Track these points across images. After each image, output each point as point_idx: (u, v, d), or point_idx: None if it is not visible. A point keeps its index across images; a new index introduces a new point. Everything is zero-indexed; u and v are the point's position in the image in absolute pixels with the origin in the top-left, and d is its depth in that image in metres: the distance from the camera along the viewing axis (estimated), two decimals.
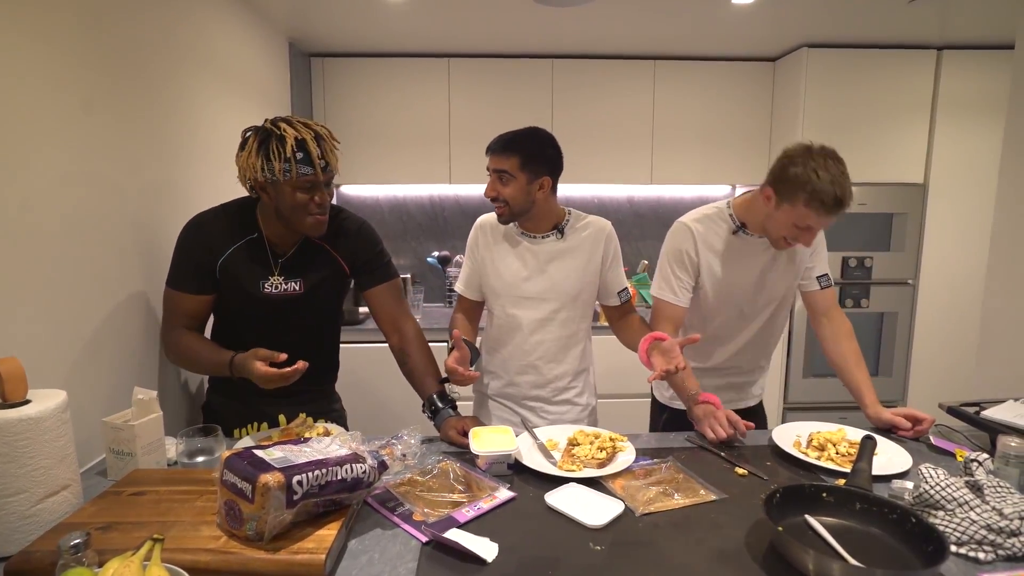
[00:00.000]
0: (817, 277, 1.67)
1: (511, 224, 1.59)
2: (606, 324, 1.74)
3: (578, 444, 1.32)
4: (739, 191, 3.37)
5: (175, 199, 1.69)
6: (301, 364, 1.28)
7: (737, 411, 1.51)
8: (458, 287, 1.71)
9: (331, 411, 1.62)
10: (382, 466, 1.04)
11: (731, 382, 1.75)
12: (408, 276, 3.23)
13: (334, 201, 2.99)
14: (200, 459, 1.22)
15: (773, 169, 1.46)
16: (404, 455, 1.11)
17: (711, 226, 1.61)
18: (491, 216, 1.62)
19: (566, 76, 2.98)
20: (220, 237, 1.41)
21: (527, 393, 1.62)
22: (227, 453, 0.95)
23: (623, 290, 1.63)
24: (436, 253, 3.27)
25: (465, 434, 1.34)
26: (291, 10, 2.37)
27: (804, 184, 1.36)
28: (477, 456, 1.22)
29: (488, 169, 1.52)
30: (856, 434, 1.40)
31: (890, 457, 1.27)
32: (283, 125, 1.30)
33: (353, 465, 0.99)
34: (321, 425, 1.40)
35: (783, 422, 3.02)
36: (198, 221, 1.43)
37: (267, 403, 1.47)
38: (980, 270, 2.82)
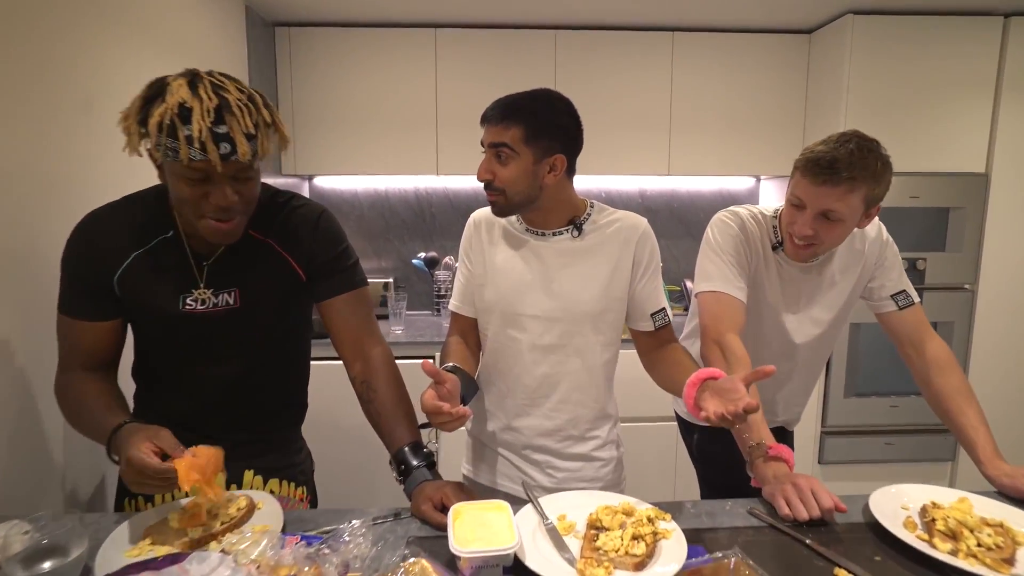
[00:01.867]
0: (892, 296, 1.34)
1: (514, 219, 1.22)
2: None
3: (603, 528, 0.93)
4: (765, 184, 3.02)
5: (74, 196, 1.28)
6: (205, 454, 0.91)
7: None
8: (452, 303, 1.32)
9: (289, 466, 1.23)
10: None
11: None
12: (390, 280, 2.85)
13: (318, 194, 2.55)
14: (47, 564, 0.82)
15: None
16: (342, 571, 0.72)
17: (758, 230, 1.33)
18: (487, 210, 1.25)
19: (571, 50, 2.60)
20: (116, 240, 1.04)
21: (530, 442, 1.23)
22: None
23: (659, 311, 1.22)
24: (422, 254, 2.88)
25: (445, 509, 0.95)
26: None
27: (805, 149, 1.19)
28: (457, 557, 0.83)
29: (483, 144, 1.14)
30: (986, 506, 1.01)
31: None
32: (179, 81, 0.91)
33: None
34: (243, 497, 1.01)
35: (821, 450, 2.73)
36: (85, 222, 1.05)
37: None
38: None
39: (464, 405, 1.09)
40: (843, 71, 2.41)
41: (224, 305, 1.07)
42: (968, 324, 2.55)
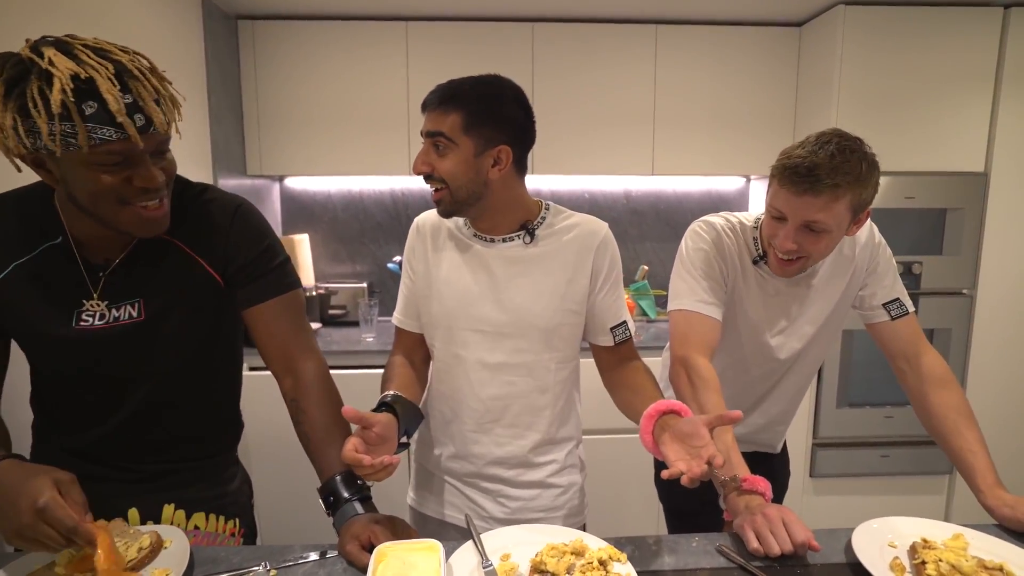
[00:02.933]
0: (884, 305, 1.23)
1: (460, 223, 1.11)
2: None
3: (547, 572, 0.81)
4: (755, 184, 2.91)
5: None
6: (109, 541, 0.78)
7: (748, 455, 1.09)
8: (395, 317, 1.21)
9: (217, 497, 1.09)
10: None
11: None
12: (365, 285, 2.73)
13: (285, 205, 2.33)
14: None
15: None
16: None
17: (736, 242, 1.22)
18: (432, 213, 1.13)
19: (549, 44, 2.48)
20: None
21: (479, 470, 1.12)
22: None
23: (620, 324, 1.11)
24: (398, 258, 2.76)
25: (372, 549, 0.84)
26: None
27: (781, 155, 1.08)
28: None
29: (421, 134, 1.03)
30: (984, 543, 0.90)
31: None
32: (49, 53, 0.76)
33: None
34: (147, 536, 0.89)
35: (812, 463, 2.62)
36: None
37: (114, 492, 0.99)
38: None
39: (409, 437, 0.99)
40: (834, 65, 2.29)
41: (126, 319, 0.94)
42: (966, 331, 2.43)
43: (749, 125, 2.58)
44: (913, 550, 0.87)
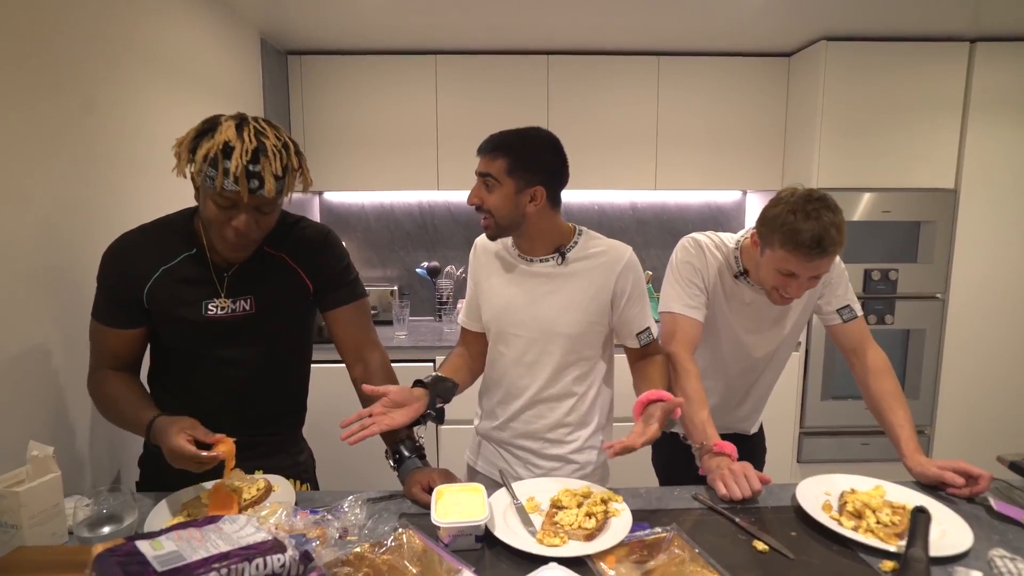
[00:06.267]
0: (838, 310, 1.48)
1: (508, 245, 1.37)
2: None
3: (562, 507, 1.10)
4: (750, 197, 3.17)
5: (100, 214, 1.47)
6: (223, 449, 1.07)
7: (727, 437, 1.33)
8: (460, 318, 1.51)
9: (292, 465, 1.38)
10: (305, 558, 0.82)
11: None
12: (395, 288, 3.04)
13: (324, 216, 2.86)
14: (107, 529, 1.01)
15: (760, 214, 1.34)
16: (342, 533, 0.90)
17: (719, 258, 1.47)
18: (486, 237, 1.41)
19: (563, 74, 2.77)
20: (146, 259, 1.20)
21: (513, 441, 1.40)
22: (100, 548, 0.74)
23: (644, 331, 1.35)
24: (425, 264, 3.06)
25: (431, 491, 1.12)
26: (261, 1, 2.17)
27: (780, 224, 1.26)
28: (437, 527, 1.01)
29: (476, 173, 1.30)
30: (897, 493, 1.17)
31: (944, 530, 1.04)
32: (228, 123, 1.09)
33: (268, 558, 0.78)
34: (261, 478, 1.19)
35: (799, 449, 2.87)
36: (118, 243, 1.22)
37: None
38: (1017, 283, 2.64)
39: (445, 403, 1.28)
40: (818, 93, 2.55)
41: (241, 311, 1.23)
42: (939, 331, 2.68)
43: (743, 145, 2.85)
44: (841, 496, 1.15)
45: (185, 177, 1.13)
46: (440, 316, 3.06)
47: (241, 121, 1.10)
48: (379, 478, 1.50)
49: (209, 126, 1.10)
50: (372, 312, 3.05)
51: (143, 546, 0.75)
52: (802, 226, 1.22)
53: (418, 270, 3.08)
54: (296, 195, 2.84)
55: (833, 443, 2.72)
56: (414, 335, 2.76)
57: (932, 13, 2.28)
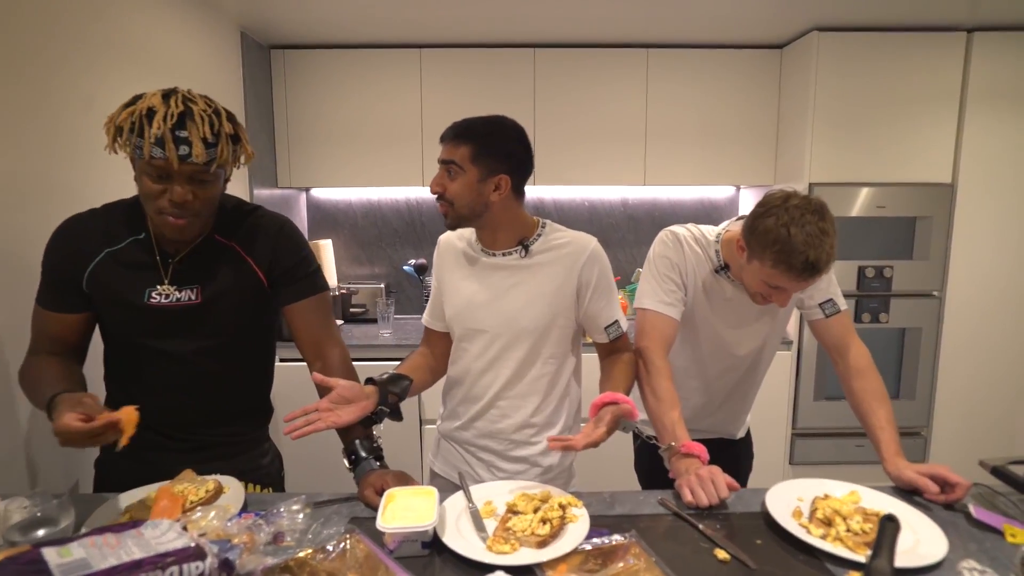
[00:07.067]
0: (820, 305, 1.41)
1: (472, 240, 1.33)
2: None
3: (518, 512, 1.05)
4: (744, 193, 3.11)
5: (55, 200, 1.42)
6: (119, 415, 0.98)
7: (713, 441, 1.30)
8: (423, 318, 1.46)
9: (254, 469, 1.33)
10: (225, 566, 0.78)
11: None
12: (382, 286, 3.00)
13: (311, 213, 2.79)
14: (41, 532, 0.97)
15: (747, 218, 1.26)
16: (277, 538, 0.86)
17: (699, 252, 1.40)
18: (452, 233, 1.36)
19: (550, 67, 2.71)
20: (90, 239, 1.17)
21: (476, 442, 1.36)
22: (1, 555, 0.70)
23: (612, 324, 1.31)
24: (412, 261, 3.02)
25: (383, 494, 1.08)
26: None
27: (773, 242, 1.18)
28: (382, 532, 0.97)
29: (438, 161, 1.25)
30: (873, 498, 1.12)
31: (918, 539, 0.98)
32: (155, 93, 1.07)
33: (184, 566, 0.74)
34: (212, 479, 1.15)
35: (791, 451, 2.81)
36: (65, 223, 1.19)
37: (171, 460, 1.21)
38: (1017, 280, 2.56)
39: (401, 400, 1.25)
40: (810, 85, 2.49)
41: (186, 300, 1.18)
42: (936, 330, 2.61)
43: (734, 139, 2.79)
44: (813, 502, 1.09)
45: (116, 153, 1.10)
46: None
47: (169, 91, 1.08)
48: (351, 480, 1.46)
49: (135, 99, 1.08)
50: (359, 310, 3.04)
51: (49, 553, 0.71)
52: (796, 248, 1.15)
53: (405, 267, 3.04)
54: (283, 191, 2.85)
55: (827, 445, 2.66)
56: (399, 333, 2.73)
57: (927, 1, 2.21)
